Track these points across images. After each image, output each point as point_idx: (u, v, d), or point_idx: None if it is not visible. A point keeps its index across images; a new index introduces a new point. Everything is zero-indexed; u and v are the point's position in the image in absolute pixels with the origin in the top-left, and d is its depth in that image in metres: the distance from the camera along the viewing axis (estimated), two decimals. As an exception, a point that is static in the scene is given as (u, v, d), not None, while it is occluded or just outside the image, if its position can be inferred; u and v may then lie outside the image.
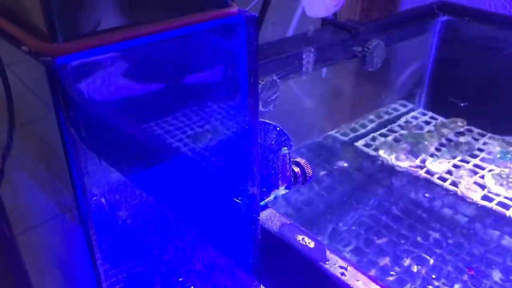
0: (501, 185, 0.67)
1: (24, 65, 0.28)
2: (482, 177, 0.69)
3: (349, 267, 0.33)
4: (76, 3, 0.24)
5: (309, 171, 0.40)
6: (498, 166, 0.71)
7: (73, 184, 0.25)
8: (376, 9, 0.78)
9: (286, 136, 0.39)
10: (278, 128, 0.39)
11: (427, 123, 0.83)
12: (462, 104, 0.82)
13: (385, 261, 0.58)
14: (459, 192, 0.67)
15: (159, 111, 0.29)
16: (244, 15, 0.29)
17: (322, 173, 0.74)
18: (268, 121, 0.38)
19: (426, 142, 0.77)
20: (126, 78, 0.26)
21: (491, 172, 0.70)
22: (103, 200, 0.29)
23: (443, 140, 0.78)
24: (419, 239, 0.62)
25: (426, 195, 0.69)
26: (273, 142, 0.38)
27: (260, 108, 0.60)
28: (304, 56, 0.64)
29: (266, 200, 0.39)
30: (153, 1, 0.27)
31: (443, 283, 0.55)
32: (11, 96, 0.31)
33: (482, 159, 0.73)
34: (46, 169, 0.32)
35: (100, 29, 0.25)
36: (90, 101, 0.25)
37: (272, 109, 0.62)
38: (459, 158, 0.74)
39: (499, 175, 0.69)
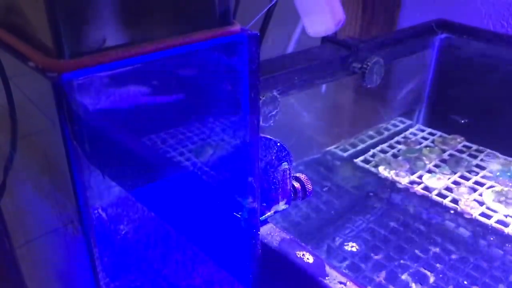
0: (500, 202, 0.67)
1: (26, 79, 0.28)
2: (481, 194, 0.69)
3: (348, 282, 0.33)
4: (83, 20, 0.25)
5: (309, 186, 0.41)
6: (497, 183, 0.71)
7: (76, 198, 0.25)
8: (376, 27, 0.79)
9: (286, 152, 0.39)
10: (278, 144, 0.39)
11: (426, 139, 0.84)
12: (462, 121, 0.82)
13: (382, 276, 0.58)
14: (458, 209, 0.67)
15: (161, 127, 0.29)
16: (246, 33, 0.29)
17: (321, 188, 0.74)
18: (268, 136, 0.39)
19: (425, 159, 0.78)
20: (130, 94, 0.26)
21: (490, 189, 0.70)
22: (103, 214, 0.29)
23: (442, 157, 0.78)
24: (418, 253, 0.62)
25: (425, 211, 0.69)
26: (273, 157, 0.39)
27: (261, 123, 0.60)
28: (303, 73, 0.65)
29: (266, 215, 0.39)
30: (157, 19, 0.27)
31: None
32: (14, 108, 0.32)
33: (481, 176, 0.73)
34: (49, 181, 0.32)
35: (105, 46, 0.26)
36: (94, 117, 0.25)
37: (272, 124, 0.63)
38: (458, 174, 0.74)
39: (498, 192, 0.69)
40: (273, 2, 0.69)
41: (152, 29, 0.27)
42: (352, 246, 0.63)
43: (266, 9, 0.69)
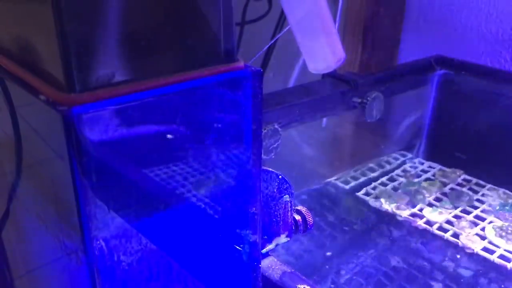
0: (501, 237, 0.67)
1: (32, 109, 0.29)
2: (483, 228, 0.69)
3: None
4: (93, 56, 0.26)
5: (310, 219, 0.41)
6: (498, 218, 0.71)
7: (81, 229, 0.26)
8: (375, 63, 0.80)
9: (287, 184, 0.40)
10: (280, 176, 0.40)
11: (427, 173, 0.84)
12: (465, 157, 0.83)
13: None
14: (460, 244, 0.67)
15: (166, 160, 0.30)
16: (250, 69, 0.30)
17: (322, 220, 0.74)
18: (270, 169, 0.39)
19: (425, 192, 0.78)
20: (137, 128, 0.27)
21: (491, 224, 0.70)
22: (104, 246, 0.29)
23: (443, 190, 0.79)
24: (420, 290, 0.61)
25: (427, 246, 0.68)
26: (275, 190, 0.39)
27: (262, 155, 0.61)
28: (304, 106, 0.66)
29: (268, 248, 0.39)
30: (165, 56, 0.28)
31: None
32: (20, 137, 0.33)
33: (482, 210, 0.73)
34: (52, 210, 0.33)
35: (114, 81, 0.27)
36: (102, 150, 0.26)
37: (273, 156, 0.63)
38: (459, 209, 0.74)
39: (499, 227, 0.69)
40: (275, 39, 0.71)
41: (160, 66, 0.28)
42: (354, 281, 0.63)
43: (267, 46, 0.71)
